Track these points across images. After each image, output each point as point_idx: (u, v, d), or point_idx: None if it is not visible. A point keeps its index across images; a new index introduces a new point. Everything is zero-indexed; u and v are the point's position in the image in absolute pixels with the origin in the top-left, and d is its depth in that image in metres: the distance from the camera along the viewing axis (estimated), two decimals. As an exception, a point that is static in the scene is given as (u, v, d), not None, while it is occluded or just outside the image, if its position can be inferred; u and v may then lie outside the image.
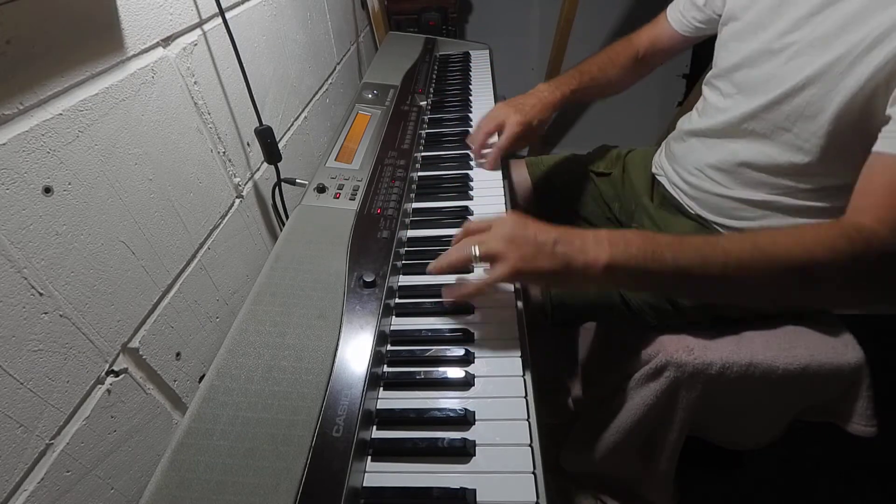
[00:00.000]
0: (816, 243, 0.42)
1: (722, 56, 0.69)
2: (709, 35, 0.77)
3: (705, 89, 0.74)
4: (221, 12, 0.58)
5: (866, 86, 0.49)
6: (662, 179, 0.80)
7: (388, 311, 0.53)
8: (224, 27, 0.59)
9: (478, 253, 0.47)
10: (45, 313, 0.38)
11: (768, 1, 0.60)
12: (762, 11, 0.61)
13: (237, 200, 0.68)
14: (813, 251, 0.42)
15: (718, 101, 0.69)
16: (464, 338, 0.51)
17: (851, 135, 0.53)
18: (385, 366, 0.49)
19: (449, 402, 0.45)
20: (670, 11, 0.82)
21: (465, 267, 0.50)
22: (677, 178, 0.76)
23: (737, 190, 0.66)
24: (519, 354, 0.49)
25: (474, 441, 0.42)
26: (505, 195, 0.72)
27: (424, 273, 0.60)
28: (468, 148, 0.83)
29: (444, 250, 0.63)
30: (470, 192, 0.73)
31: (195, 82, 0.57)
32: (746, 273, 0.43)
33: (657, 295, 0.71)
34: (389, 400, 0.47)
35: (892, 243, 0.41)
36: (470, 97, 1.01)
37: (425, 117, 0.93)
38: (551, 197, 0.96)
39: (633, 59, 0.86)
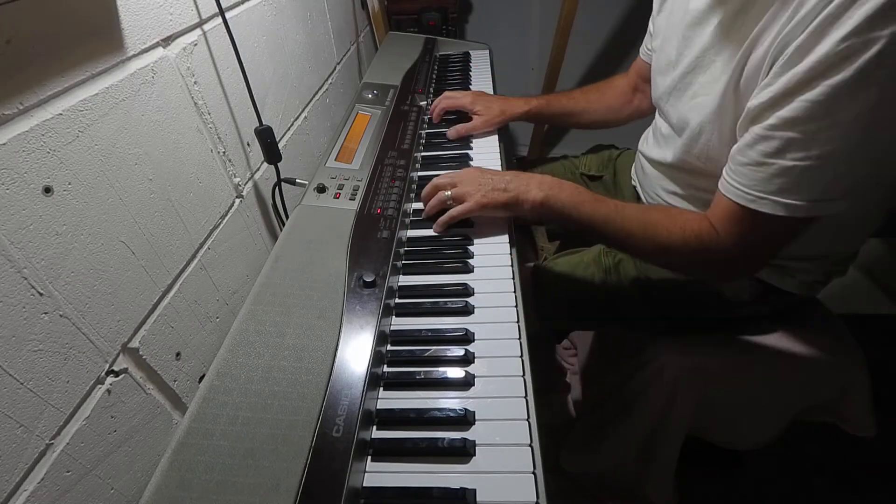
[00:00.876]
0: (679, 233, 0.55)
1: (653, 85, 0.72)
2: None
3: (657, 111, 0.75)
4: (221, 12, 0.58)
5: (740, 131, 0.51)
6: (640, 192, 0.81)
7: (388, 311, 0.53)
8: (224, 27, 0.59)
9: (450, 195, 0.63)
10: (45, 313, 0.38)
11: (677, 38, 0.62)
12: (673, 48, 0.63)
13: (237, 200, 0.68)
14: (672, 238, 0.55)
15: (662, 125, 0.71)
16: (464, 338, 0.51)
17: None
18: (385, 366, 0.49)
19: (449, 402, 0.45)
20: (642, 46, 0.84)
21: (442, 207, 0.64)
22: (646, 198, 0.78)
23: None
24: (519, 354, 0.49)
25: (474, 441, 0.42)
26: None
27: (425, 273, 0.60)
28: (468, 148, 0.84)
29: (445, 251, 0.64)
30: (470, 192, 0.73)
31: (195, 82, 0.57)
32: (630, 240, 0.58)
33: (653, 310, 0.71)
34: (389, 400, 0.47)
35: (727, 252, 0.53)
36: (470, 97, 1.01)
37: (425, 117, 0.93)
38: None
39: (629, 89, 0.88)
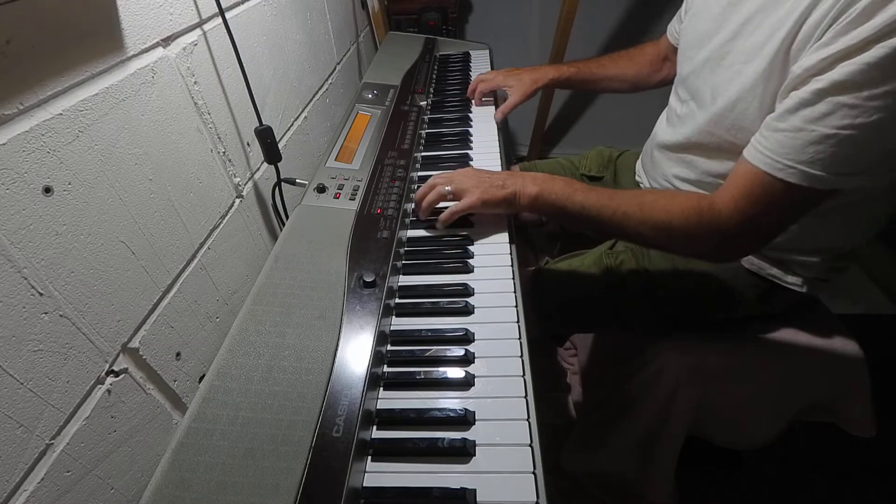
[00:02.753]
0: (678, 211, 0.55)
1: (680, 63, 0.72)
2: None
3: (671, 96, 0.75)
4: (221, 12, 0.58)
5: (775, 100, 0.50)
6: (643, 187, 0.81)
7: (388, 311, 0.53)
8: (224, 27, 0.59)
9: (451, 189, 0.64)
10: (45, 313, 0.38)
11: (716, 9, 0.62)
12: (710, 19, 0.63)
13: (237, 200, 0.68)
14: (672, 217, 0.55)
15: (677, 106, 0.71)
16: (464, 338, 0.51)
17: None
18: (385, 366, 0.49)
19: (449, 402, 0.45)
20: (669, 26, 0.84)
21: (441, 201, 0.65)
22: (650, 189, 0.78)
23: None
24: (519, 354, 0.49)
25: (474, 441, 0.42)
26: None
27: (425, 273, 0.60)
28: (468, 147, 0.84)
29: (445, 251, 0.64)
30: (470, 192, 0.73)
31: (195, 82, 0.57)
32: (627, 222, 0.58)
33: (657, 311, 0.72)
34: (389, 400, 0.47)
35: (730, 226, 0.52)
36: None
37: (425, 117, 0.93)
38: None
39: (658, 58, 0.89)
